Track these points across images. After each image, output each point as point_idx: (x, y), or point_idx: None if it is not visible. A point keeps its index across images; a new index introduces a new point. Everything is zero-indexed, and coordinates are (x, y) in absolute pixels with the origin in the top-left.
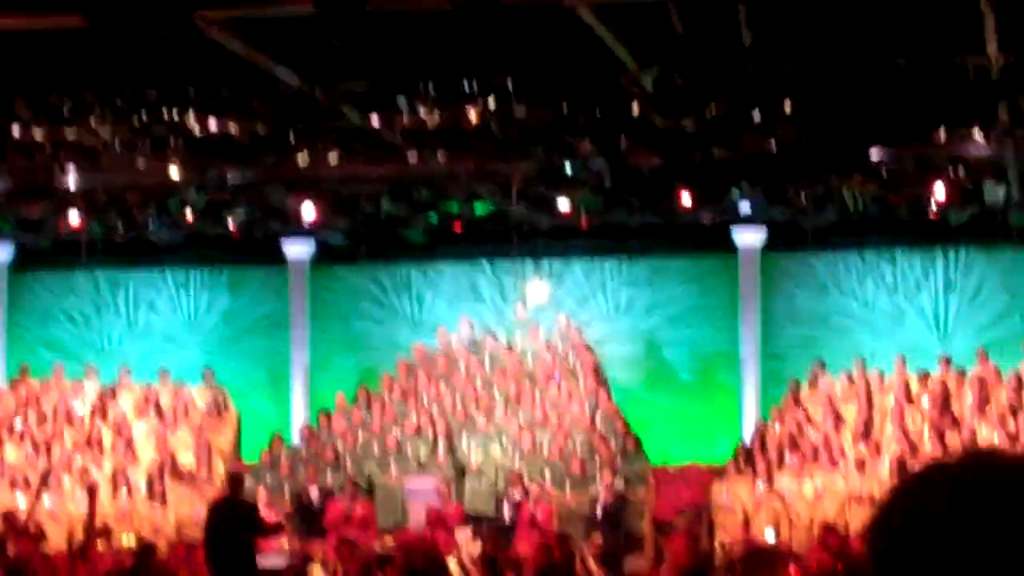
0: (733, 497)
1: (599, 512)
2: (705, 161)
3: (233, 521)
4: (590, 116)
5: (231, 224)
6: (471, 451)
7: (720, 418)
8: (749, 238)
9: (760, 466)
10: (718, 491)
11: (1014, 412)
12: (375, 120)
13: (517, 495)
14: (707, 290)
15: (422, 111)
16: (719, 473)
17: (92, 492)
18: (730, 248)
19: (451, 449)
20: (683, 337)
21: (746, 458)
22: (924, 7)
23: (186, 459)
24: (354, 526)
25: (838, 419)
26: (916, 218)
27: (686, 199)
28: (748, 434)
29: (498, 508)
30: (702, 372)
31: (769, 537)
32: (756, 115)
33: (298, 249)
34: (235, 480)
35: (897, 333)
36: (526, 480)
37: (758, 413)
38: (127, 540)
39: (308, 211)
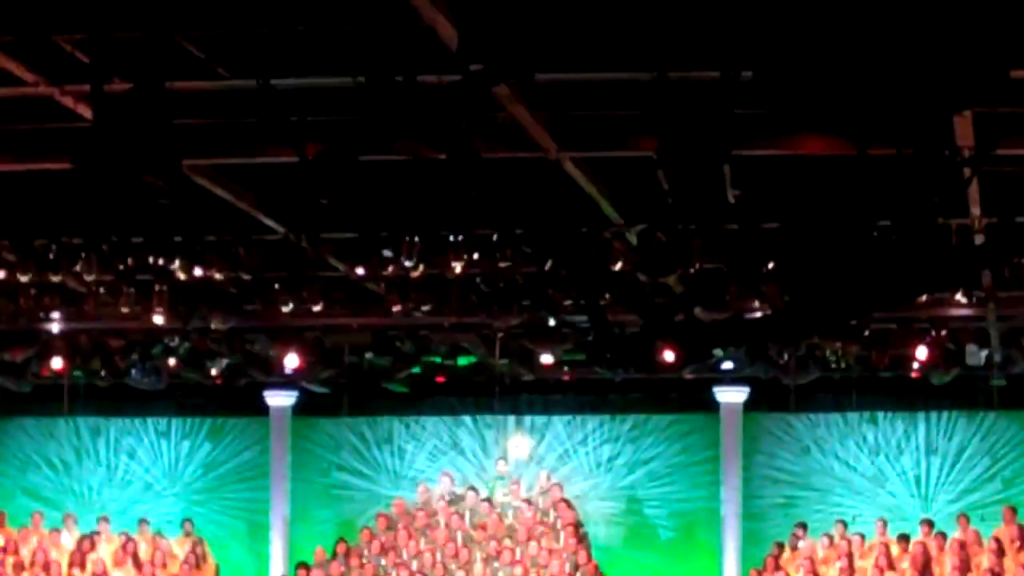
0: None
1: None
2: (688, 320)
3: None
4: (573, 271)
5: (214, 372)
6: None
7: None
8: (731, 397)
9: None
10: None
11: None
12: (359, 270)
13: None
14: (689, 448)
15: (406, 262)
16: None
17: None
18: (712, 406)
19: None
20: (664, 495)
21: None
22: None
23: None
24: None
25: None
26: (899, 379)
27: (668, 356)
28: None
29: None
30: (683, 530)
31: None
32: (740, 274)
33: (280, 399)
34: None
35: (878, 495)
36: None
37: (738, 574)
38: None
39: (291, 361)
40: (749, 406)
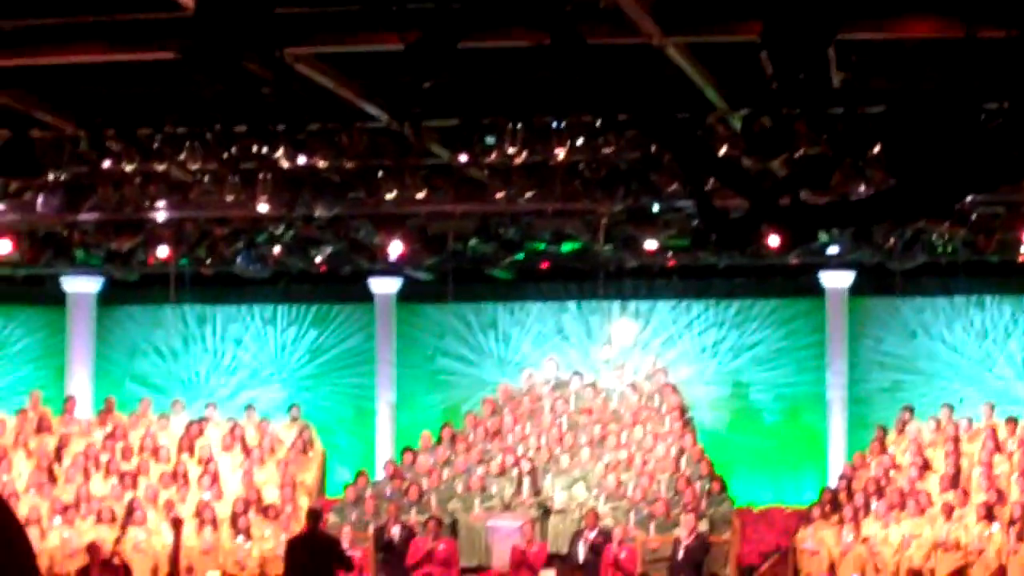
0: (818, 542)
1: (678, 555)
2: (793, 204)
3: (313, 556)
4: (677, 156)
5: (318, 259)
6: (555, 491)
7: (805, 461)
8: (837, 281)
9: (846, 511)
10: (803, 535)
11: None
12: (462, 157)
13: (592, 535)
14: (794, 332)
15: (509, 149)
16: (804, 517)
17: (177, 526)
18: (817, 291)
19: (535, 489)
20: (769, 379)
21: (832, 503)
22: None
23: (271, 495)
24: (437, 564)
25: (925, 466)
26: (1005, 263)
27: (774, 241)
28: (833, 478)
29: (573, 547)
30: (788, 415)
31: None
32: (846, 157)
33: (385, 286)
34: (314, 515)
35: (985, 379)
36: (610, 522)
37: (844, 457)
38: (212, 574)
39: (395, 247)
40: (855, 290)
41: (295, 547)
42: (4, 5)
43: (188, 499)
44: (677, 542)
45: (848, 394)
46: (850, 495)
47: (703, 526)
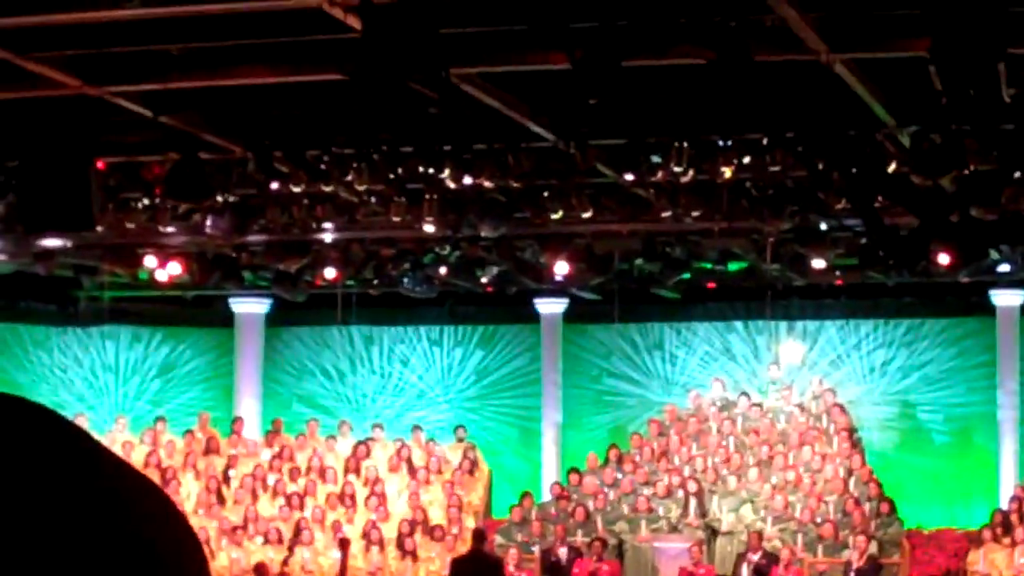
0: (989, 564)
1: None
2: (963, 221)
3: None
4: (845, 173)
5: (484, 280)
6: (722, 513)
7: (976, 482)
8: (1008, 299)
9: (1018, 533)
10: (974, 558)
11: None
12: (628, 176)
13: (755, 556)
14: (964, 351)
15: (675, 168)
16: (975, 539)
17: (344, 547)
18: (988, 309)
19: (702, 511)
20: (939, 399)
21: (1003, 525)
22: None
23: (437, 516)
24: None
25: None
26: None
27: (943, 259)
28: (1005, 500)
29: (736, 569)
30: (958, 435)
31: None
32: (1016, 174)
33: (551, 306)
34: (479, 535)
35: None
36: (778, 543)
37: (1016, 478)
38: None
39: (561, 267)
40: None
41: (460, 567)
42: (172, 29)
43: (355, 520)
44: (848, 565)
45: (1020, 414)
46: (1022, 517)
47: (873, 548)
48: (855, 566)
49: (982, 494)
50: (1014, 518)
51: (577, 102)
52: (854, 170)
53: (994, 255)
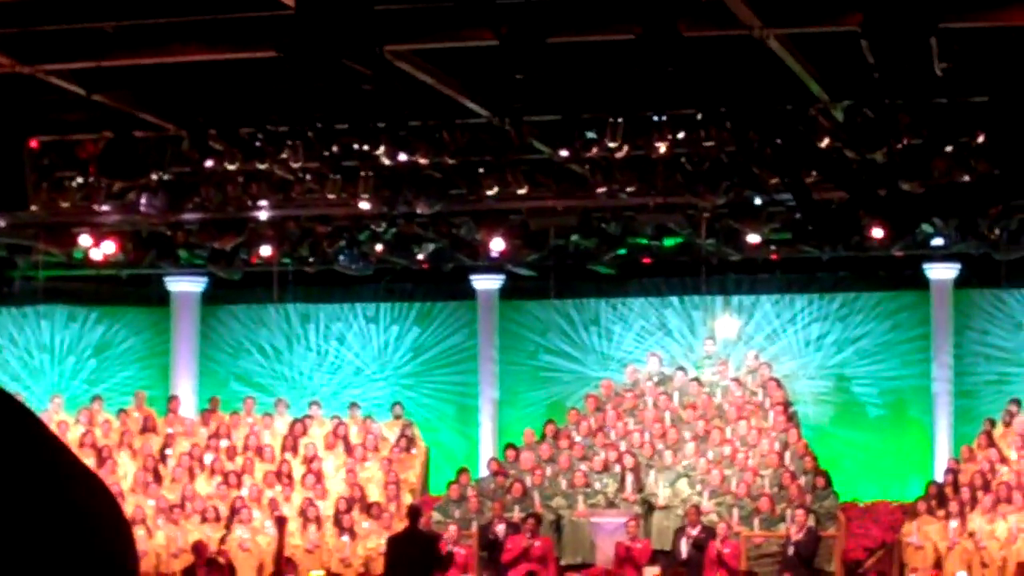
0: (924, 536)
1: (788, 550)
2: (893, 194)
3: (413, 553)
4: (779, 149)
5: (420, 257)
6: (659, 487)
7: (911, 455)
8: (942, 273)
9: (952, 506)
10: (909, 530)
11: None
12: (564, 152)
13: (694, 531)
14: (898, 325)
15: (610, 144)
16: (910, 511)
17: (281, 525)
18: (922, 283)
19: (639, 486)
20: (873, 373)
21: (937, 497)
22: None
23: (375, 493)
24: (533, 561)
25: None
26: None
27: (877, 233)
28: (939, 472)
29: (676, 544)
30: (893, 408)
31: None
32: (948, 147)
33: (487, 282)
34: (414, 512)
35: None
36: (714, 517)
37: (950, 451)
38: (315, 573)
39: (497, 244)
40: (960, 282)
41: (396, 545)
42: (106, 7)
43: (292, 498)
44: (787, 538)
45: (954, 387)
46: (956, 489)
47: (809, 521)
48: (793, 539)
49: (916, 467)
50: (948, 491)
51: (507, 78)
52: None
53: (927, 228)
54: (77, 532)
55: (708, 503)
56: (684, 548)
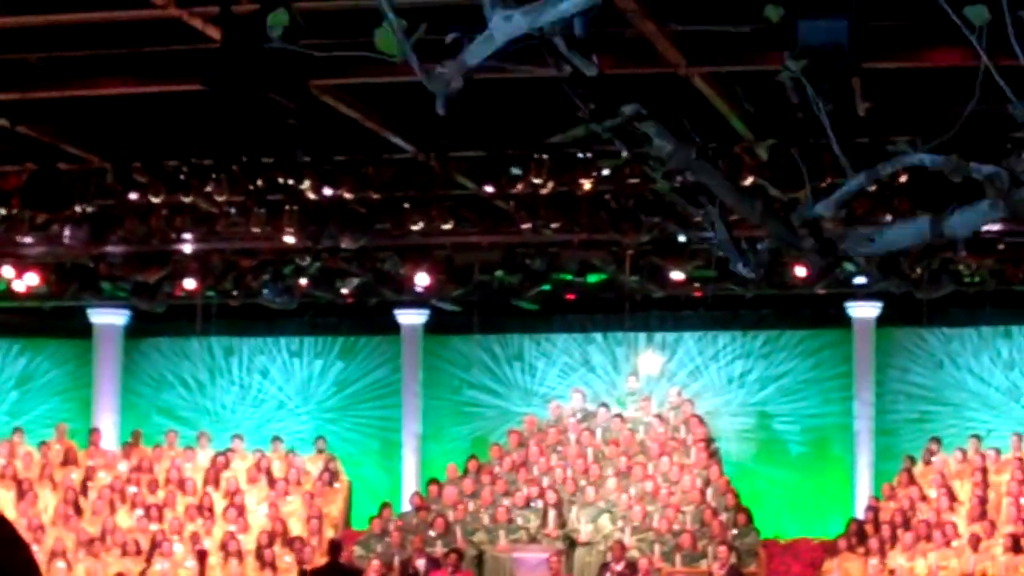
0: (844, 573)
1: None
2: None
3: None
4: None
5: (345, 291)
6: (581, 523)
7: (832, 493)
8: (864, 311)
9: (873, 543)
10: (829, 567)
11: None
12: (489, 188)
13: (619, 567)
14: (821, 363)
15: (535, 180)
16: (831, 548)
17: (202, 559)
18: (844, 322)
19: (561, 521)
20: (796, 410)
21: (858, 534)
22: None
23: (297, 527)
24: None
25: (952, 497)
26: None
27: (800, 272)
28: (860, 509)
29: None
30: (814, 446)
31: None
32: (871, 188)
33: (411, 317)
34: (334, 546)
35: (1013, 410)
36: (636, 553)
37: (871, 489)
38: None
39: (422, 279)
40: (882, 321)
41: None
42: (29, 39)
43: (214, 531)
44: (704, 574)
45: (875, 425)
46: (877, 526)
47: (731, 558)
48: (712, 575)
49: (838, 504)
50: (869, 528)
51: (432, 114)
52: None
53: (849, 267)
54: None
55: (630, 539)
56: None
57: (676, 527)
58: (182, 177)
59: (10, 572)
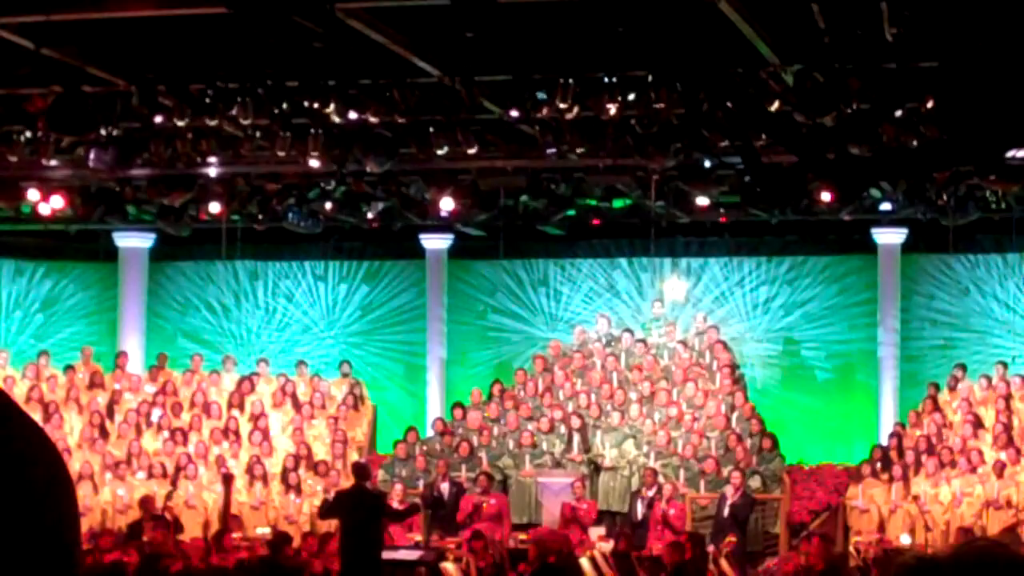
0: (868, 500)
1: (723, 512)
2: (842, 158)
3: (360, 511)
4: (729, 112)
5: (370, 215)
6: (605, 448)
7: (856, 419)
8: (889, 238)
9: (896, 469)
10: (853, 493)
11: None
12: (514, 113)
13: (650, 493)
14: (846, 289)
15: (561, 105)
16: (854, 474)
17: (228, 482)
18: (870, 248)
19: (585, 446)
20: (820, 336)
21: (882, 460)
22: None
23: (321, 451)
24: (487, 520)
25: (977, 423)
26: None
27: (825, 196)
28: (885, 436)
29: (632, 506)
30: (839, 372)
31: (905, 541)
32: (897, 112)
33: (436, 242)
34: (360, 470)
35: None
36: (660, 479)
37: (895, 415)
38: (262, 530)
39: (447, 204)
40: (907, 247)
41: (342, 502)
42: None
43: (239, 455)
44: (723, 499)
45: (900, 352)
46: (901, 453)
47: (752, 483)
48: (730, 500)
49: (862, 431)
50: (893, 454)
51: (458, 38)
52: (736, 108)
53: (875, 193)
54: (20, 488)
55: (654, 464)
56: (640, 509)
57: (700, 453)
58: (207, 100)
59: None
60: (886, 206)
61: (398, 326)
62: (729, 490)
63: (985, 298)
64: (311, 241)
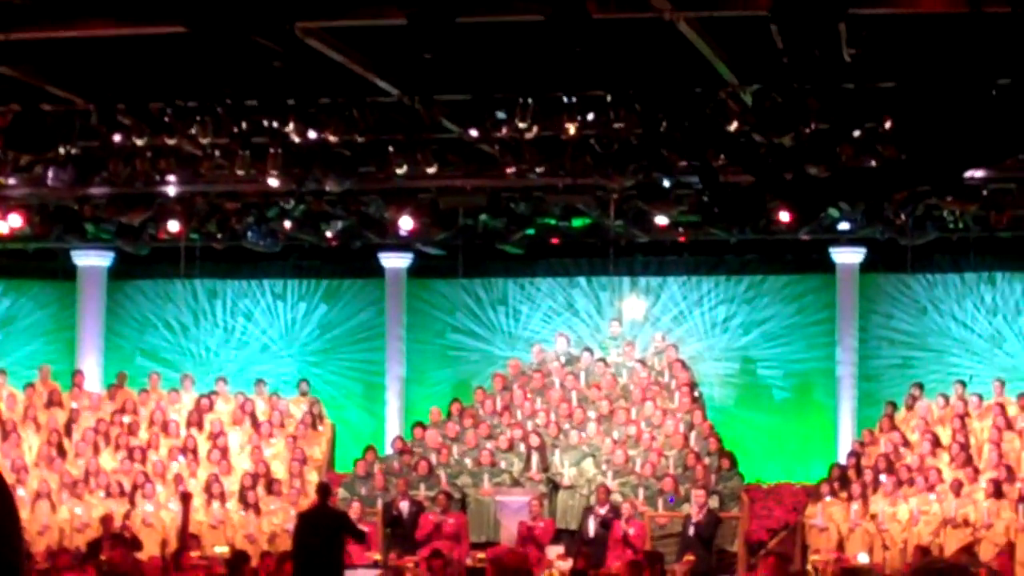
0: (827, 518)
1: (688, 531)
2: (800, 178)
3: (322, 530)
4: (688, 132)
5: (329, 234)
6: (564, 467)
7: (814, 438)
8: (848, 257)
9: (855, 488)
10: (812, 511)
11: None
12: (473, 132)
13: (603, 510)
14: (804, 308)
15: (520, 124)
16: (813, 493)
17: (186, 501)
18: (828, 267)
19: (544, 465)
20: (779, 355)
21: (840, 479)
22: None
23: (280, 470)
24: (446, 538)
25: (934, 442)
26: (1017, 239)
27: (784, 217)
28: (843, 454)
29: (583, 522)
30: (797, 391)
31: (863, 559)
32: (856, 133)
33: (395, 261)
34: (323, 489)
35: (996, 356)
36: (619, 497)
37: (853, 434)
38: (220, 549)
39: (406, 222)
40: (865, 267)
41: (305, 521)
42: None
43: (197, 474)
44: (687, 518)
45: (858, 371)
46: (859, 472)
47: (712, 502)
48: (694, 519)
49: (820, 450)
50: (851, 473)
51: (417, 57)
52: (689, 126)
53: (833, 213)
54: None
55: (613, 483)
56: (592, 527)
57: (659, 471)
58: (166, 119)
59: None
60: (844, 226)
61: (357, 345)
62: (693, 509)
63: (943, 317)
64: (270, 260)
